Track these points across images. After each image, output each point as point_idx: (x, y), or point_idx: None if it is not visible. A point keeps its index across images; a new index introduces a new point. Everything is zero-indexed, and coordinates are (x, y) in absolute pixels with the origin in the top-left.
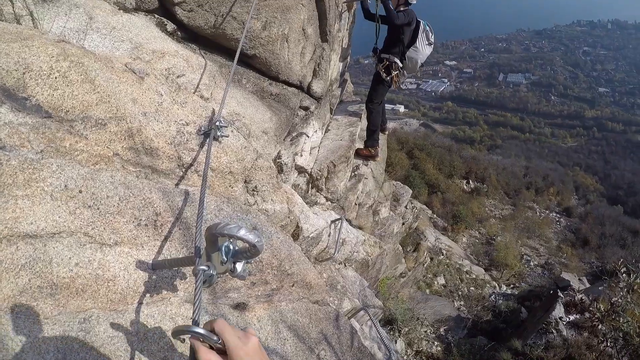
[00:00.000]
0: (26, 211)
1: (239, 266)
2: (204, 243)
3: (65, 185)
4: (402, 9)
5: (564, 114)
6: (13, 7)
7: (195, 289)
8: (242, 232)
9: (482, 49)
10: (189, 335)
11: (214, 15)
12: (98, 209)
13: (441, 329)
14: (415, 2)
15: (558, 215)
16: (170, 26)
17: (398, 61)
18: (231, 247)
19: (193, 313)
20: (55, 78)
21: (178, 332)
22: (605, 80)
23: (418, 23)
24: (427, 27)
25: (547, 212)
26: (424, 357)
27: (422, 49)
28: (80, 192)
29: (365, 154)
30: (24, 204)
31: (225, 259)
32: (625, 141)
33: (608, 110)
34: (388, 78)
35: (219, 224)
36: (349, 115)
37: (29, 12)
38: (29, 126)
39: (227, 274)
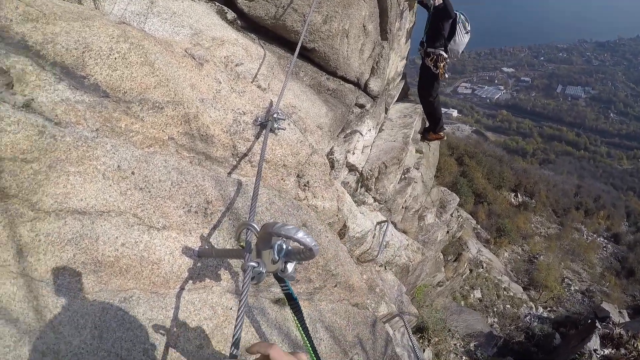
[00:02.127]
0: (77, 188)
1: (290, 267)
2: (254, 238)
3: (119, 166)
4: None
5: (622, 133)
6: None
7: (243, 285)
8: (300, 235)
9: (542, 58)
10: None
11: (275, 6)
12: (149, 191)
13: (471, 344)
14: None
15: (606, 240)
16: (231, 14)
17: (444, 54)
18: (284, 246)
19: (239, 310)
20: (115, 59)
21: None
22: None
23: (455, 16)
24: (463, 17)
25: (595, 235)
26: None
27: (461, 40)
28: (133, 173)
29: (436, 138)
30: (76, 180)
31: (277, 258)
32: None
33: None
34: (437, 71)
35: (276, 223)
36: (404, 116)
37: None
38: (86, 104)
39: (278, 273)
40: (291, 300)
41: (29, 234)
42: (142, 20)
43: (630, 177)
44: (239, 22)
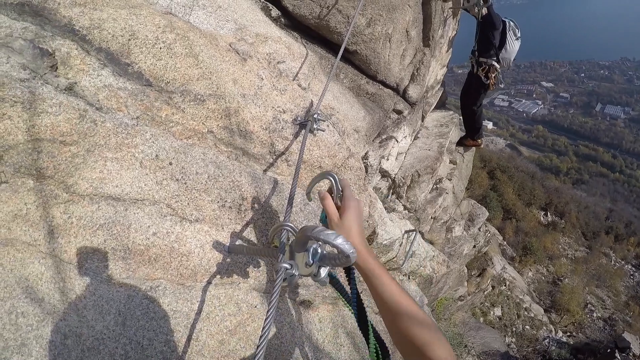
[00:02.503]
0: (113, 174)
1: (323, 271)
2: (287, 239)
3: (157, 155)
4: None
5: None
6: None
7: (275, 287)
8: (339, 241)
9: (582, 74)
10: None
11: (320, 6)
12: (185, 183)
13: None
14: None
15: (633, 268)
16: (275, 12)
17: (496, 64)
18: (319, 250)
19: (268, 312)
20: (160, 48)
21: (322, 176)
22: None
23: (504, 23)
24: (512, 24)
25: (623, 262)
26: None
27: (512, 47)
28: (171, 164)
29: (473, 144)
30: (112, 166)
31: (312, 262)
32: None
33: None
34: (487, 82)
35: (315, 226)
36: (440, 125)
37: None
38: (128, 91)
39: (310, 277)
40: (350, 273)
41: (62, 216)
42: (187, 12)
43: None
44: (282, 19)
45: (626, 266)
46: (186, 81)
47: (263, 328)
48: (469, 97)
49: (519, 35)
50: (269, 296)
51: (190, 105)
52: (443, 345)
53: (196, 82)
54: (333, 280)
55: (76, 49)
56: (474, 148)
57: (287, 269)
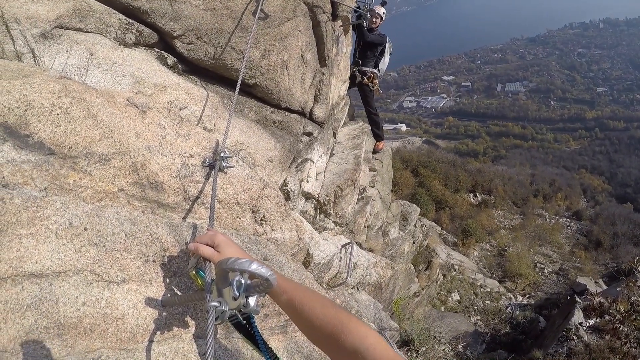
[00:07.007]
0: (31, 250)
1: (252, 301)
2: (214, 278)
3: (70, 223)
4: (378, 32)
5: (564, 117)
6: (14, 45)
7: (208, 327)
8: (254, 267)
9: (479, 62)
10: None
11: (213, 46)
12: (104, 246)
13: (459, 346)
14: (384, 18)
15: (568, 219)
16: (171, 59)
17: (377, 72)
18: (242, 281)
19: (207, 353)
20: (58, 114)
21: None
22: (602, 79)
23: (385, 42)
24: (389, 41)
25: (557, 217)
26: None
27: (386, 59)
28: (85, 229)
29: (382, 146)
30: (29, 242)
31: (237, 294)
32: (628, 138)
33: (608, 109)
34: (373, 88)
35: (229, 258)
36: (353, 138)
37: (30, 50)
38: (32, 163)
39: (240, 309)
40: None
41: None
42: (83, 73)
43: (579, 156)
44: (179, 66)
45: (561, 219)
46: (88, 143)
47: None
48: (369, 105)
49: (391, 50)
50: (209, 339)
51: (96, 167)
52: (361, 324)
53: (98, 142)
54: (240, 328)
55: None
56: (389, 151)
57: (216, 307)
